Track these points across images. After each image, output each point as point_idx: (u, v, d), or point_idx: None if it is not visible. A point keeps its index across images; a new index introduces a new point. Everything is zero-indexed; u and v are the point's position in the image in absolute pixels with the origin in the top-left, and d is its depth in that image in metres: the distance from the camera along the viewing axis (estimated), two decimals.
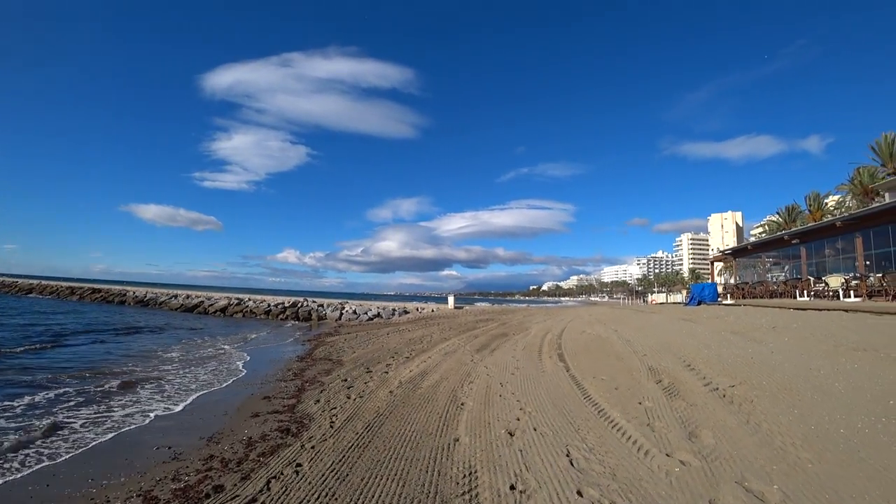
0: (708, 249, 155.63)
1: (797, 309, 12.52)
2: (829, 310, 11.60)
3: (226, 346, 13.55)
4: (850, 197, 38.20)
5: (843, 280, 14.47)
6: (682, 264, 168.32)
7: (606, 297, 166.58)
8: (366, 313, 29.46)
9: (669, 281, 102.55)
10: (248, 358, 11.32)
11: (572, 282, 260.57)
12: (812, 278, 16.39)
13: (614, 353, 7.90)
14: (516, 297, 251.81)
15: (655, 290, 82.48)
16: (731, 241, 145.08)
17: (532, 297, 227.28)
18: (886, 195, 27.90)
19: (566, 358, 8.07)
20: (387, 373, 7.95)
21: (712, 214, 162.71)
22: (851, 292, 13.66)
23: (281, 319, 29.24)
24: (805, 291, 16.45)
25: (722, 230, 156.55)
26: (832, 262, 18.79)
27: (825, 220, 37.32)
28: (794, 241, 20.92)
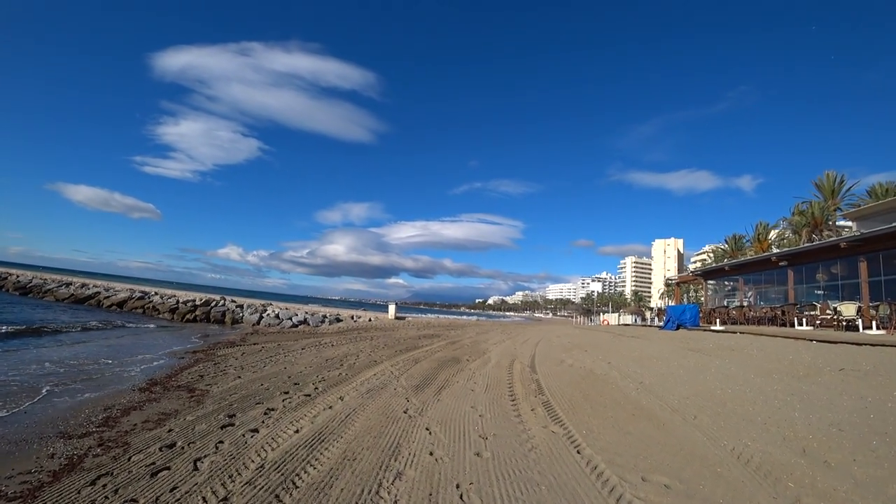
0: (651, 273, 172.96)
1: (823, 342, 10.42)
2: (870, 344, 9.52)
3: (52, 356, 9.45)
4: (789, 231, 41.17)
5: (861, 308, 12.70)
6: (625, 286, 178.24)
7: (550, 314, 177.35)
8: (290, 319, 25.58)
9: (613, 302, 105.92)
10: (52, 383, 7.48)
11: (518, 297, 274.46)
12: (818, 304, 14.69)
13: (636, 408, 5.18)
14: (462, 309, 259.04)
15: (608, 310, 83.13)
16: (672, 267, 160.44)
17: (478, 310, 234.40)
18: (853, 225, 27.89)
19: (560, 412, 5.24)
20: (256, 431, 4.70)
21: (656, 240, 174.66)
22: (874, 323, 11.84)
23: (188, 320, 24.86)
24: (806, 320, 14.68)
25: (664, 255, 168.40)
26: (828, 287, 17.37)
27: (774, 250, 38.64)
28: (781, 263, 19.54)
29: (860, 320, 12.41)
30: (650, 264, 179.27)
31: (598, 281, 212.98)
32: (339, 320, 27.47)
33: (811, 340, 11.03)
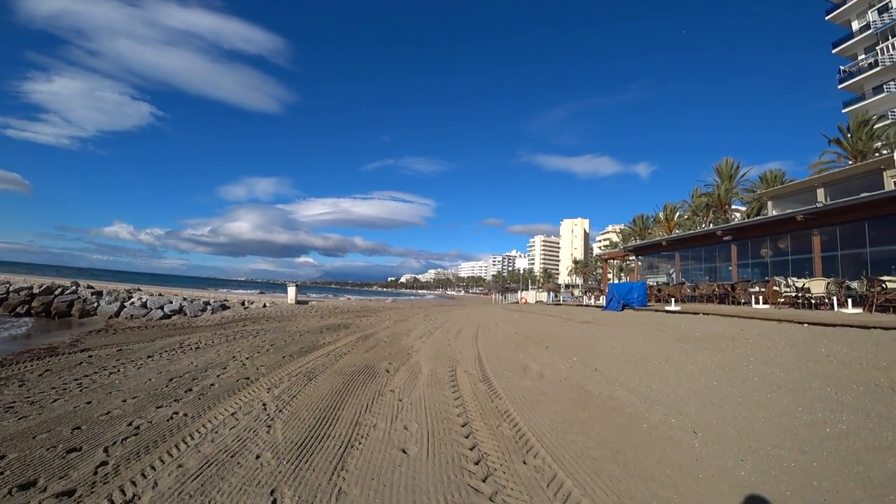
0: (559, 252, 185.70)
1: (817, 324, 9.05)
2: (865, 327, 8.23)
3: None
4: (690, 211, 45.00)
5: (835, 285, 11.83)
6: (534, 264, 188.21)
7: (463, 292, 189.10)
8: (161, 308, 20.84)
9: (524, 279, 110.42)
10: None
11: (430, 275, 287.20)
12: (781, 280, 13.87)
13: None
14: (374, 287, 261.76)
15: (520, 287, 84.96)
16: (579, 246, 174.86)
17: (391, 289, 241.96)
18: (770, 203, 29.17)
19: None
20: None
21: (564, 220, 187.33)
22: (849, 301, 10.91)
23: (18, 313, 19.49)
24: (762, 297, 13.81)
25: (572, 234, 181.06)
26: (774, 263, 16.93)
27: (677, 231, 41.01)
28: (725, 238, 19.00)
29: (835, 297, 11.48)
30: (558, 243, 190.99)
31: (509, 259, 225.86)
32: (224, 307, 23.06)
33: (801, 323, 9.73)
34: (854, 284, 12.14)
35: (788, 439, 3.64)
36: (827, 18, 44.11)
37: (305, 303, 29.52)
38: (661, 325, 11.09)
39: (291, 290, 29.17)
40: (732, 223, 21.27)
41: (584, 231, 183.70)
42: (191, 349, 9.82)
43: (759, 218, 19.35)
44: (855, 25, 42.11)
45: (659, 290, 20.10)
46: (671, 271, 26.06)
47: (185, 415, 4.84)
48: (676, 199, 57.58)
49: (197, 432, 4.27)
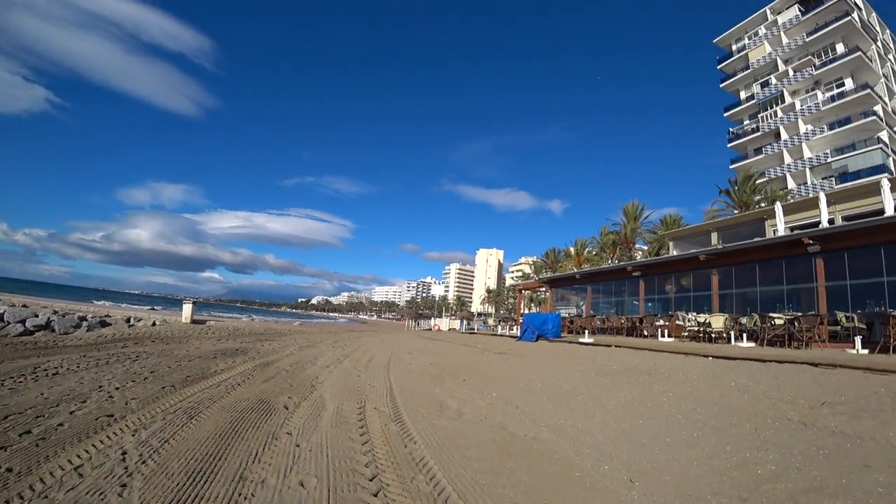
0: (473, 280, 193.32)
1: (721, 357, 9.53)
2: (762, 360, 8.79)
3: None
4: (598, 247, 49.01)
5: (731, 321, 12.74)
6: (449, 291, 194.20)
7: (376, 316, 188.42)
8: (22, 322, 17.58)
9: (438, 307, 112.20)
10: None
11: (343, 298, 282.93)
12: (685, 315, 14.78)
13: None
14: (283, 308, 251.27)
15: (445, 315, 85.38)
16: (493, 275, 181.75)
17: (300, 311, 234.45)
18: (671, 244, 31.90)
19: None
20: None
21: (480, 249, 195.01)
22: (745, 336, 11.75)
23: None
24: (667, 331, 14.60)
25: (486, 264, 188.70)
26: (678, 298, 18.13)
27: (585, 266, 43.98)
28: (634, 273, 20.13)
29: (732, 332, 12.32)
30: (473, 272, 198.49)
31: (423, 285, 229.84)
32: (104, 324, 20.02)
33: (706, 356, 10.22)
34: (744, 320, 13.19)
35: (726, 484, 3.41)
36: (721, 86, 50.58)
37: (203, 322, 26.69)
38: (577, 358, 11.14)
39: (187, 308, 26.20)
40: (642, 260, 22.75)
41: (499, 261, 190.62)
42: (46, 376, 8.02)
43: (666, 256, 20.87)
44: (743, 95, 48.59)
45: (571, 322, 20.71)
46: (581, 303, 27.22)
47: (10, 470, 3.62)
48: (587, 235, 61.50)
49: (18, 497, 3.14)
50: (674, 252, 29.20)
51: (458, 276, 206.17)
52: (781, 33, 44.41)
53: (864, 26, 40.30)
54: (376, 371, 9.78)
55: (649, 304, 20.49)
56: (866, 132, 37.60)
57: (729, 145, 48.71)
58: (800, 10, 43.27)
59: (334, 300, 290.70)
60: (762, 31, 46.45)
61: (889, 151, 36.38)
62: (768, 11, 46.06)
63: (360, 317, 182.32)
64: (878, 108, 37.50)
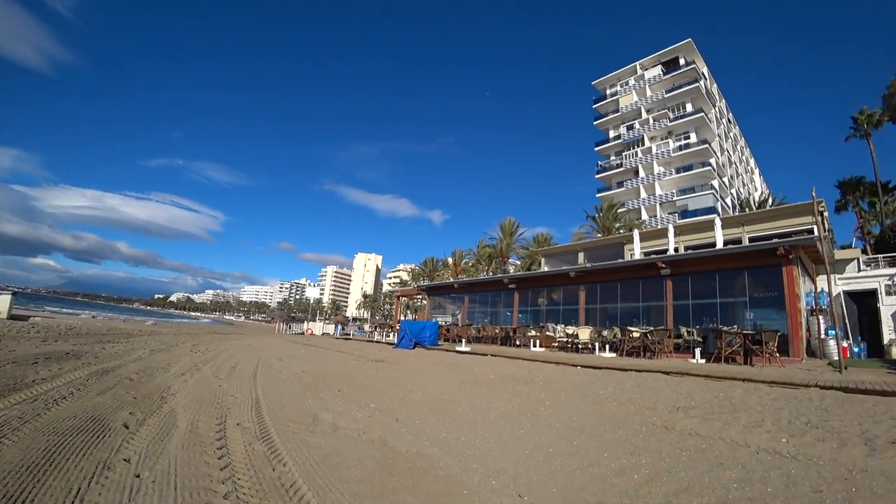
0: (349, 284, 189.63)
1: (589, 367, 10.18)
2: (623, 369, 9.56)
3: None
4: (475, 259, 51.85)
5: (596, 333, 13.80)
6: (324, 294, 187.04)
7: (243, 318, 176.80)
8: None
9: (312, 310, 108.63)
10: None
11: (207, 296, 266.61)
12: (555, 326, 15.69)
13: None
14: (135, 305, 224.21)
15: (319, 318, 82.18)
16: (370, 280, 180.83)
17: (157, 308, 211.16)
18: (542, 260, 34.41)
19: None
20: None
21: (359, 253, 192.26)
22: (607, 347, 12.79)
23: None
24: (539, 341, 15.41)
25: (364, 268, 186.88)
26: (548, 311, 19.32)
27: (487, 275, 46.22)
28: (510, 285, 21.05)
29: (596, 343, 13.32)
30: (350, 276, 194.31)
31: (298, 286, 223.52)
32: None
33: (575, 366, 10.83)
34: (606, 332, 14.43)
35: (608, 492, 3.34)
36: (595, 124, 56.49)
37: (25, 318, 21.76)
38: (455, 367, 11.07)
39: (3, 299, 20.96)
40: (518, 273, 23.97)
41: (377, 266, 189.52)
42: None
43: (540, 271, 22.23)
44: (612, 133, 54.72)
45: (448, 330, 20.93)
46: (457, 312, 27.87)
47: None
48: (464, 247, 64.00)
49: None
50: (545, 268, 31.42)
51: (334, 279, 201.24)
52: (647, 87, 51.23)
53: (707, 93, 48.42)
54: (241, 380, 8.59)
55: (521, 316, 21.55)
56: (703, 179, 44.87)
57: (597, 176, 54.50)
58: (662, 71, 50.56)
59: (197, 298, 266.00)
60: (632, 81, 53.10)
61: (718, 196, 43.88)
62: (638, 66, 52.86)
63: (227, 317, 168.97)
64: (712, 161, 45.10)
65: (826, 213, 18.12)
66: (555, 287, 19.79)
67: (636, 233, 21.63)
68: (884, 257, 16.71)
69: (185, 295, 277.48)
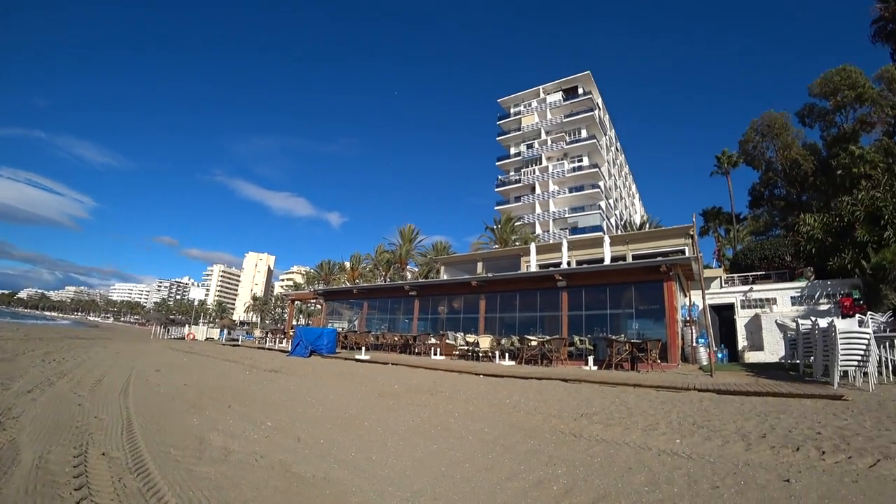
0: (238, 286, 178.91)
1: (492, 375, 10.28)
2: (525, 377, 9.84)
3: None
4: (373, 265, 51.89)
5: (496, 341, 14.08)
6: (209, 295, 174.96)
7: (112, 319, 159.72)
8: None
9: (196, 312, 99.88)
10: None
11: (68, 293, 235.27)
12: (455, 334, 15.74)
13: None
14: None
15: (202, 322, 75.54)
16: (261, 282, 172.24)
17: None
18: (442, 268, 35.00)
19: None
20: None
21: (250, 252, 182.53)
22: (507, 355, 13.11)
23: None
24: (439, 349, 15.42)
25: (255, 269, 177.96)
26: (448, 319, 19.49)
27: (385, 281, 45.93)
28: (412, 292, 20.91)
29: (497, 352, 13.59)
30: (240, 276, 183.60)
31: (179, 285, 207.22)
32: None
33: (478, 374, 10.89)
34: (503, 341, 14.84)
35: None
36: (497, 139, 59.12)
37: None
38: (357, 377, 10.55)
39: None
40: (420, 280, 23.90)
41: (269, 267, 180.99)
42: None
43: (442, 279, 22.37)
44: (512, 150, 57.64)
45: (345, 337, 20.16)
46: (354, 318, 27.10)
47: None
48: (363, 251, 62.98)
49: None
50: (445, 276, 31.87)
51: (221, 279, 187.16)
52: (547, 110, 54.99)
53: (600, 122, 53.31)
54: (108, 397, 7.22)
55: (421, 323, 21.48)
56: (592, 199, 49.03)
57: (496, 190, 57.02)
58: (562, 97, 54.84)
59: (54, 295, 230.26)
60: (534, 104, 56.65)
61: (605, 216, 48.22)
62: (541, 90, 56.64)
63: (91, 318, 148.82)
64: (601, 183, 49.54)
65: (695, 237, 20.67)
66: (456, 295, 20.01)
67: (533, 246, 22.77)
68: (738, 276, 19.58)
69: (39, 291, 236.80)
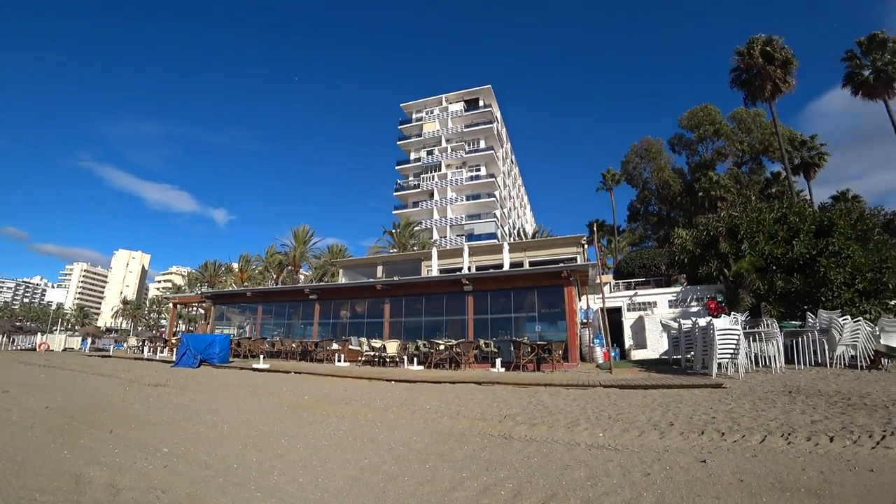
0: (105, 287, 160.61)
1: (402, 381, 10.12)
2: (437, 382, 9.84)
3: None
4: (264, 266, 49.83)
5: (403, 346, 13.85)
6: (68, 297, 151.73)
7: None
8: None
9: (53, 318, 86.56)
10: None
11: None
12: (360, 339, 15.17)
13: None
14: None
15: (60, 329, 65.38)
16: (133, 282, 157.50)
17: None
18: (341, 271, 34.16)
19: None
20: None
21: (119, 250, 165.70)
22: (415, 360, 12.98)
23: None
24: (343, 355, 14.85)
25: (126, 269, 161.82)
26: (351, 324, 18.91)
27: (277, 285, 43.52)
28: (311, 296, 19.97)
29: (405, 357, 13.38)
30: (107, 277, 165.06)
31: (28, 286, 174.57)
32: None
33: (388, 380, 10.58)
34: (409, 346, 14.70)
35: None
36: (398, 143, 59.09)
37: None
38: (259, 388, 9.64)
39: None
40: (321, 284, 22.83)
41: (143, 268, 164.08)
42: None
43: (345, 283, 21.59)
44: (413, 156, 58.01)
45: (238, 345, 18.54)
46: (245, 324, 25.15)
47: None
48: (252, 252, 59.18)
49: None
50: (343, 279, 30.94)
51: (84, 279, 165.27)
52: (449, 119, 56.29)
53: (497, 134, 55.87)
54: None
55: (322, 328, 20.52)
56: (488, 208, 51.08)
57: (395, 194, 56.98)
58: (464, 107, 56.65)
59: None
60: (437, 111, 57.67)
61: (499, 224, 50.49)
62: (444, 98, 57.91)
63: None
64: (497, 193, 51.89)
65: (586, 246, 22.47)
66: (359, 299, 19.43)
67: (434, 251, 23.00)
68: (623, 282, 21.72)
69: None
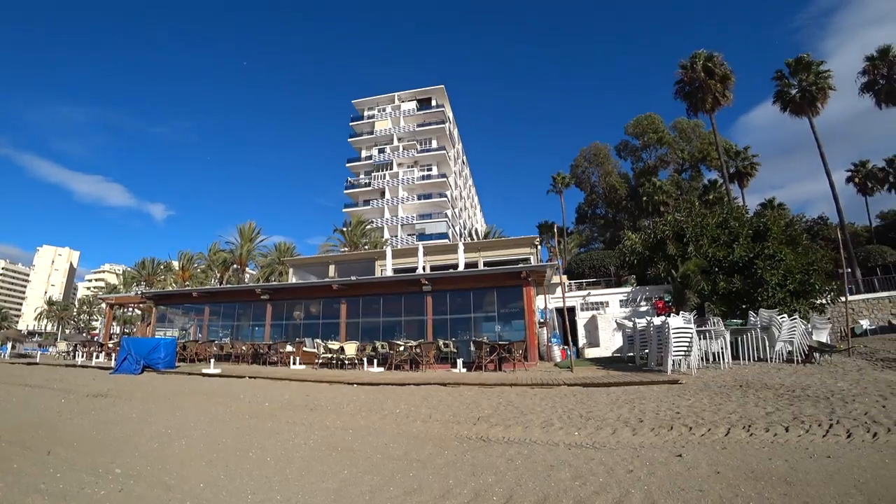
0: (27, 287, 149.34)
1: (362, 384, 9.95)
2: (401, 384, 9.76)
3: None
4: (206, 265, 47.97)
5: (362, 347, 13.58)
6: None
7: None
8: None
9: None
10: None
11: None
12: (315, 341, 14.71)
13: None
14: None
15: None
16: (60, 281, 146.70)
17: None
18: (291, 270, 33.22)
19: None
20: None
21: (44, 246, 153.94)
22: (375, 361, 12.78)
23: None
24: (299, 358, 14.42)
25: (52, 267, 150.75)
26: (305, 325, 18.39)
27: (223, 283, 41.64)
28: (263, 296, 19.24)
29: (365, 358, 13.13)
30: (28, 275, 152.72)
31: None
32: None
33: (350, 384, 10.34)
34: (369, 347, 14.47)
35: None
36: (349, 140, 58.03)
37: None
38: (214, 395, 9.12)
39: None
40: (274, 283, 21.98)
41: (72, 265, 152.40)
42: None
43: (300, 283, 20.89)
44: (364, 153, 57.15)
45: (184, 348, 17.52)
46: (189, 326, 23.86)
47: None
48: (194, 249, 56.32)
49: None
50: (293, 279, 29.99)
51: (1, 278, 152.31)
52: (401, 118, 55.86)
53: (449, 135, 56.09)
54: None
55: (274, 330, 19.79)
56: (439, 207, 51.19)
57: (345, 192, 55.88)
58: (417, 106, 56.34)
59: None
60: (389, 109, 57.06)
61: (451, 224, 50.69)
62: (397, 97, 57.35)
63: None
64: (448, 193, 52.06)
65: (539, 247, 22.98)
66: (313, 300, 18.88)
67: (389, 250, 22.75)
68: (575, 283, 22.42)
69: None
